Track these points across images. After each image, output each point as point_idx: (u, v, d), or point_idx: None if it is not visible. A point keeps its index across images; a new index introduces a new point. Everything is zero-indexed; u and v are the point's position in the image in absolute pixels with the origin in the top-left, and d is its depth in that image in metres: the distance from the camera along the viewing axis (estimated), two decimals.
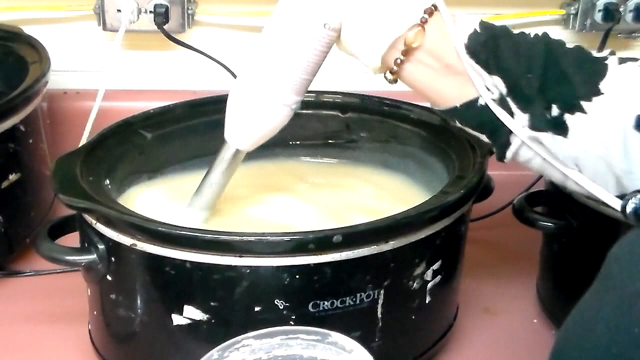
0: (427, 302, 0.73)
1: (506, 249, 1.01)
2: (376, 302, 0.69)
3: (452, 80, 0.64)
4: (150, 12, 1.08)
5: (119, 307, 0.71)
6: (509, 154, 0.64)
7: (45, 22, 1.11)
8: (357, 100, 0.94)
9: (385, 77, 0.66)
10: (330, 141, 0.95)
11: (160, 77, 1.16)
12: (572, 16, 1.16)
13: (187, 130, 0.89)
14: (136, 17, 1.08)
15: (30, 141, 0.92)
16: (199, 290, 0.67)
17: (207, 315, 0.67)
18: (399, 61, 0.64)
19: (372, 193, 0.87)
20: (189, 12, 1.11)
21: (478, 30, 0.63)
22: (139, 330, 0.71)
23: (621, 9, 1.14)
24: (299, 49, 0.67)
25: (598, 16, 1.14)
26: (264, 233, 0.64)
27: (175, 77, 1.16)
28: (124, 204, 0.74)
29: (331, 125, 0.94)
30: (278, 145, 0.94)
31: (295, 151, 0.95)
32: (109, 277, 0.70)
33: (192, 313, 0.67)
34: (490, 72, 0.62)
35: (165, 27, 1.09)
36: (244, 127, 0.72)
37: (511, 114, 0.62)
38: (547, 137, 0.61)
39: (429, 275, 0.72)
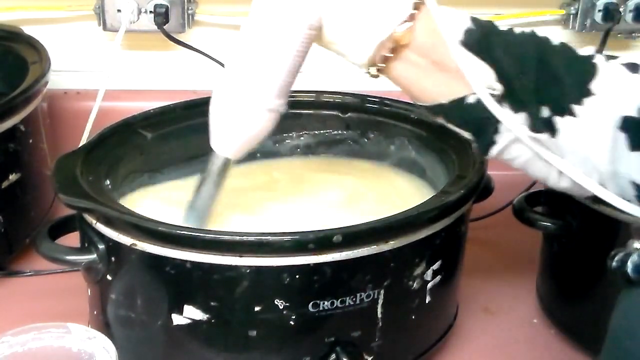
0: (427, 302, 0.73)
1: (506, 249, 1.01)
2: (376, 302, 0.69)
3: (440, 77, 0.62)
4: (150, 12, 1.08)
5: (119, 307, 0.71)
6: (493, 151, 0.63)
7: (45, 22, 1.11)
8: (357, 100, 0.94)
9: (369, 72, 0.64)
10: (330, 141, 0.95)
11: (160, 77, 1.16)
12: (572, 16, 1.16)
13: (187, 130, 0.89)
14: (136, 17, 1.08)
15: (30, 141, 0.92)
16: (199, 290, 0.67)
17: (207, 315, 0.67)
18: (385, 59, 0.62)
19: (371, 193, 0.87)
20: (189, 12, 1.11)
21: (472, 26, 0.62)
22: (139, 330, 0.71)
23: (621, 9, 1.14)
24: (282, 53, 0.64)
25: (598, 16, 1.15)
26: (264, 233, 0.64)
27: (175, 77, 1.16)
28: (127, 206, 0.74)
29: (331, 125, 0.94)
30: (278, 143, 0.94)
31: (294, 151, 0.95)
32: (109, 277, 0.70)
33: (192, 313, 0.67)
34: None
35: (165, 27, 1.09)
36: (229, 136, 0.70)
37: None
38: (544, 137, 0.61)
39: (429, 275, 0.72)
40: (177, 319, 0.68)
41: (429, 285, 0.73)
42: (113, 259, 0.69)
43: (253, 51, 0.65)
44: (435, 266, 0.72)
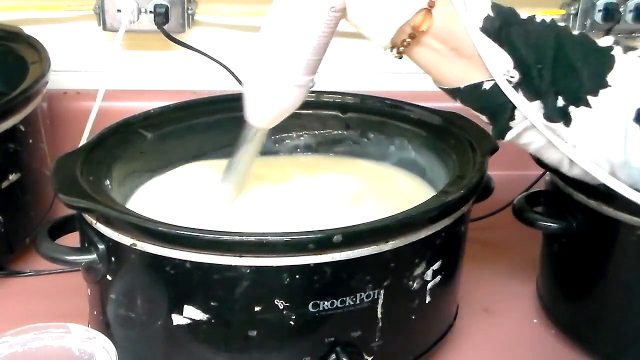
0: (427, 302, 0.73)
1: (506, 249, 1.01)
2: (376, 302, 0.69)
3: (458, 62, 0.64)
4: (150, 12, 1.08)
5: (119, 307, 0.71)
6: (508, 136, 0.65)
7: (45, 22, 1.11)
8: (357, 100, 0.94)
9: (391, 53, 0.67)
10: (330, 141, 0.95)
11: (160, 77, 1.16)
12: (572, 16, 1.16)
13: (187, 130, 0.89)
14: (136, 17, 1.08)
15: (30, 141, 0.92)
16: (199, 290, 0.67)
17: (207, 315, 0.67)
18: (405, 43, 0.65)
19: (372, 193, 0.87)
20: (189, 12, 1.11)
21: (492, 14, 0.63)
22: (139, 330, 0.71)
23: (621, 9, 1.14)
24: (306, 33, 0.68)
25: (598, 16, 1.15)
26: (264, 233, 0.64)
27: (175, 77, 1.16)
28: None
29: (331, 125, 0.94)
30: (278, 143, 0.94)
31: (295, 150, 0.95)
32: (109, 277, 0.70)
33: (192, 313, 0.67)
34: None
35: (165, 27, 1.09)
36: (261, 109, 0.74)
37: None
38: (558, 126, 0.62)
39: (429, 275, 0.72)
40: (177, 319, 0.68)
41: (429, 285, 0.73)
42: (113, 259, 0.69)
43: (279, 31, 0.69)
44: (435, 266, 0.72)
